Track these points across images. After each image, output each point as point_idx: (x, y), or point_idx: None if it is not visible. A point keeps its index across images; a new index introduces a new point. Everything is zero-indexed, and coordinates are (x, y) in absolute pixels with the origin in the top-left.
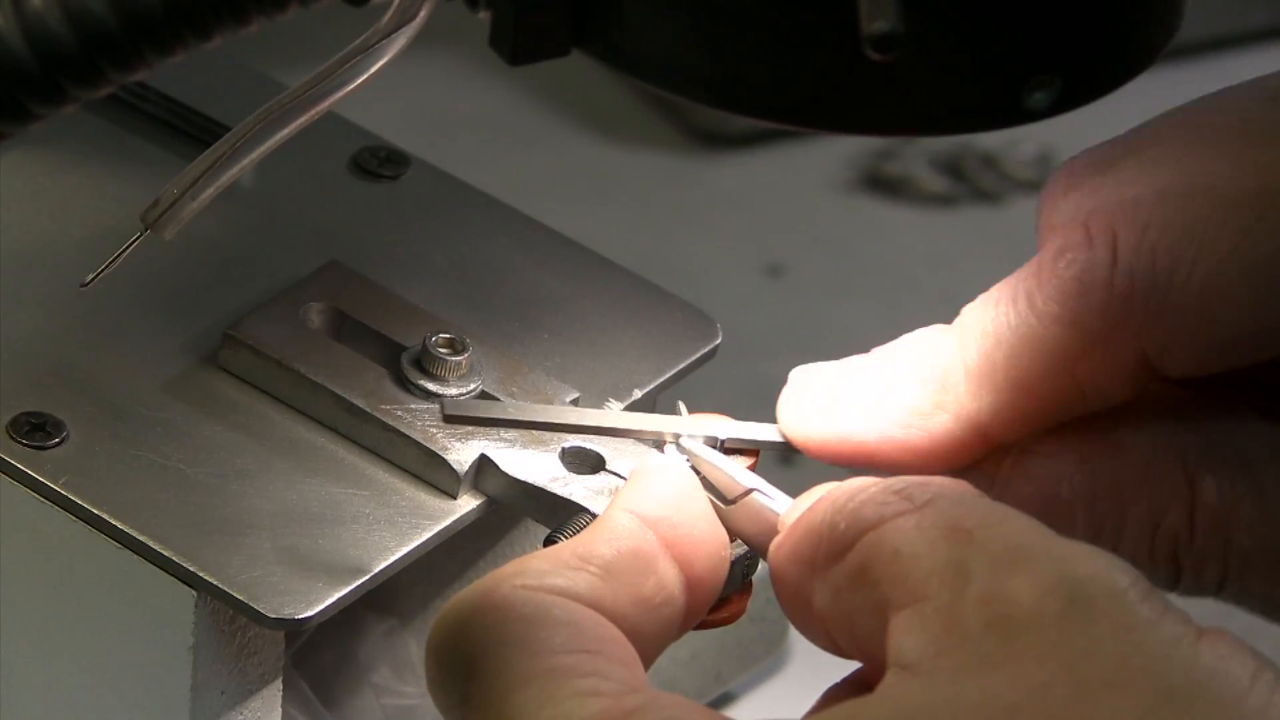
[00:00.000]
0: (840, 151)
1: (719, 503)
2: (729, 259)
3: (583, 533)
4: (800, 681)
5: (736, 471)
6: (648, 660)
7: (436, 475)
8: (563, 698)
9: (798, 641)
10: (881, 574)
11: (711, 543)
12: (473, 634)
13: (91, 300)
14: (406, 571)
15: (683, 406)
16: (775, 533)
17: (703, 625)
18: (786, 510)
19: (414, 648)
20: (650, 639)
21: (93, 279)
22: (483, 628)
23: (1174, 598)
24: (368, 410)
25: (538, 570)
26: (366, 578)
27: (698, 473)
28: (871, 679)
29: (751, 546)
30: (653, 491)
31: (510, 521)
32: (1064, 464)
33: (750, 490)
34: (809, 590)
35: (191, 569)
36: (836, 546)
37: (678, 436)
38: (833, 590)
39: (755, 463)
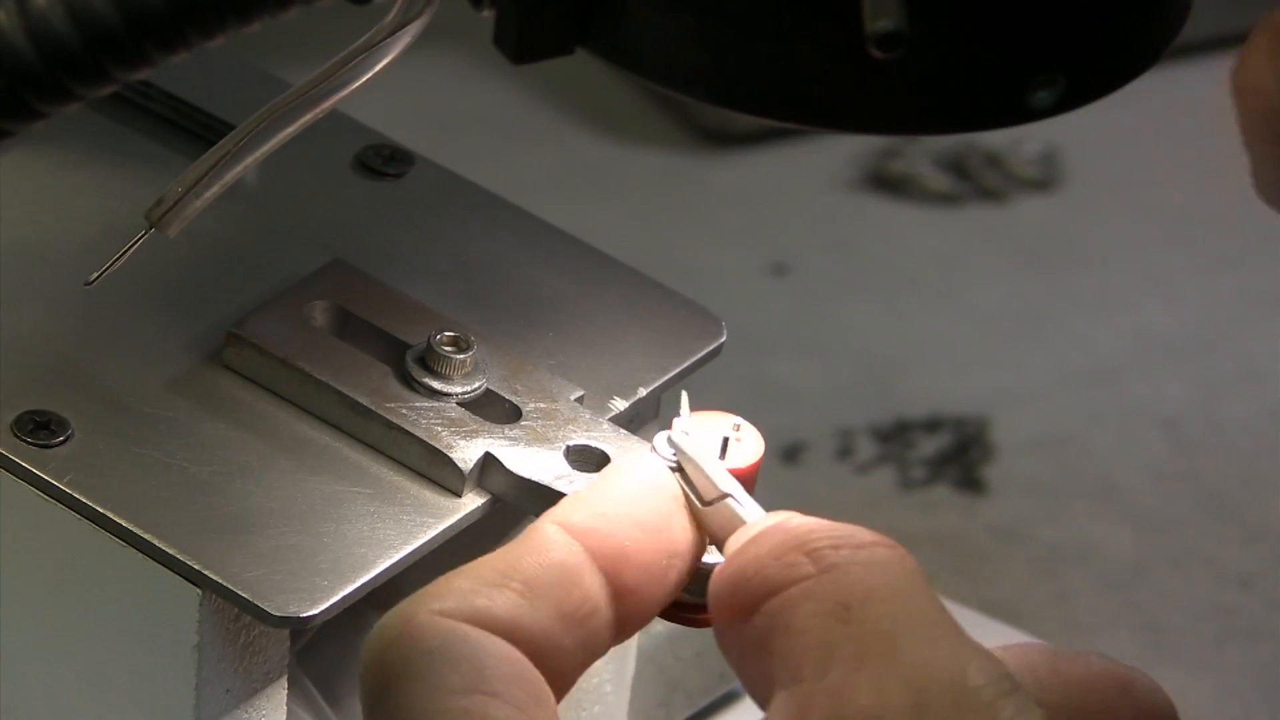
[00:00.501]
0: (844, 150)
1: (698, 503)
2: (733, 257)
3: (508, 547)
4: None
5: (717, 474)
6: (574, 674)
7: (441, 473)
8: None
9: None
10: (776, 647)
11: (645, 552)
12: (386, 661)
13: (95, 298)
14: (411, 569)
15: (685, 397)
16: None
17: (706, 625)
18: (731, 538)
19: None
20: (573, 652)
21: (97, 277)
22: (395, 657)
23: None
24: (372, 408)
25: (460, 591)
26: (371, 575)
27: (683, 470)
28: None
29: (722, 554)
30: (584, 501)
31: (514, 519)
32: None
33: (725, 496)
34: (730, 635)
35: (196, 567)
36: (748, 603)
37: (668, 429)
38: (740, 649)
39: (760, 461)
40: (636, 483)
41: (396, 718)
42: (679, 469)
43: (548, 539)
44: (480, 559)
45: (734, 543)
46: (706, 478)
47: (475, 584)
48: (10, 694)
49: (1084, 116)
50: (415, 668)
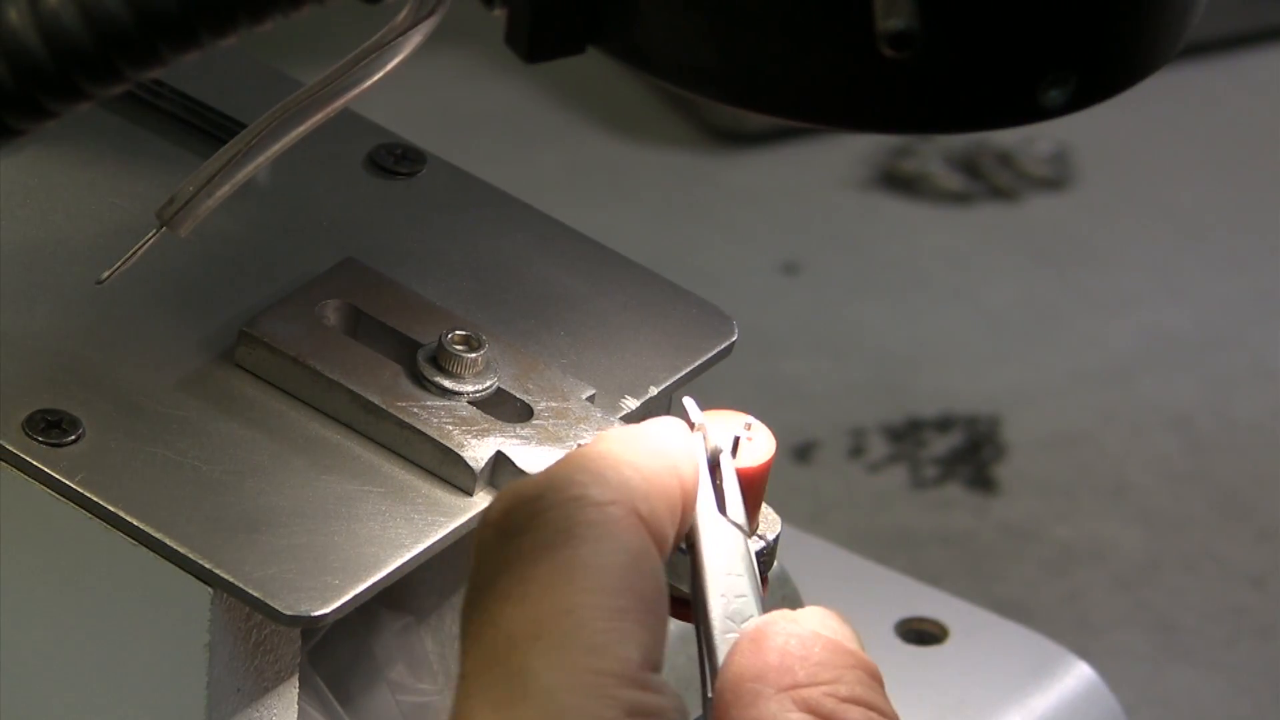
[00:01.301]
0: (856, 149)
1: (714, 508)
2: (745, 256)
3: (633, 439)
4: None
5: (731, 493)
6: None
7: (452, 472)
8: (603, 637)
9: None
10: None
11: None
12: (547, 520)
13: (107, 297)
14: (422, 568)
15: (692, 403)
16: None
17: None
18: (820, 612)
19: (429, 644)
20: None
21: (109, 276)
22: (559, 520)
23: None
24: (383, 407)
25: (639, 491)
26: (382, 574)
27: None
28: None
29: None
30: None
31: None
32: None
33: (741, 528)
34: (767, 691)
35: (207, 566)
36: (816, 708)
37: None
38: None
39: (771, 460)
40: (675, 435)
41: (524, 577)
42: (714, 465)
43: (668, 457)
44: (621, 447)
45: (835, 623)
46: (726, 494)
47: (642, 484)
48: (21, 693)
49: (1096, 115)
50: (576, 550)
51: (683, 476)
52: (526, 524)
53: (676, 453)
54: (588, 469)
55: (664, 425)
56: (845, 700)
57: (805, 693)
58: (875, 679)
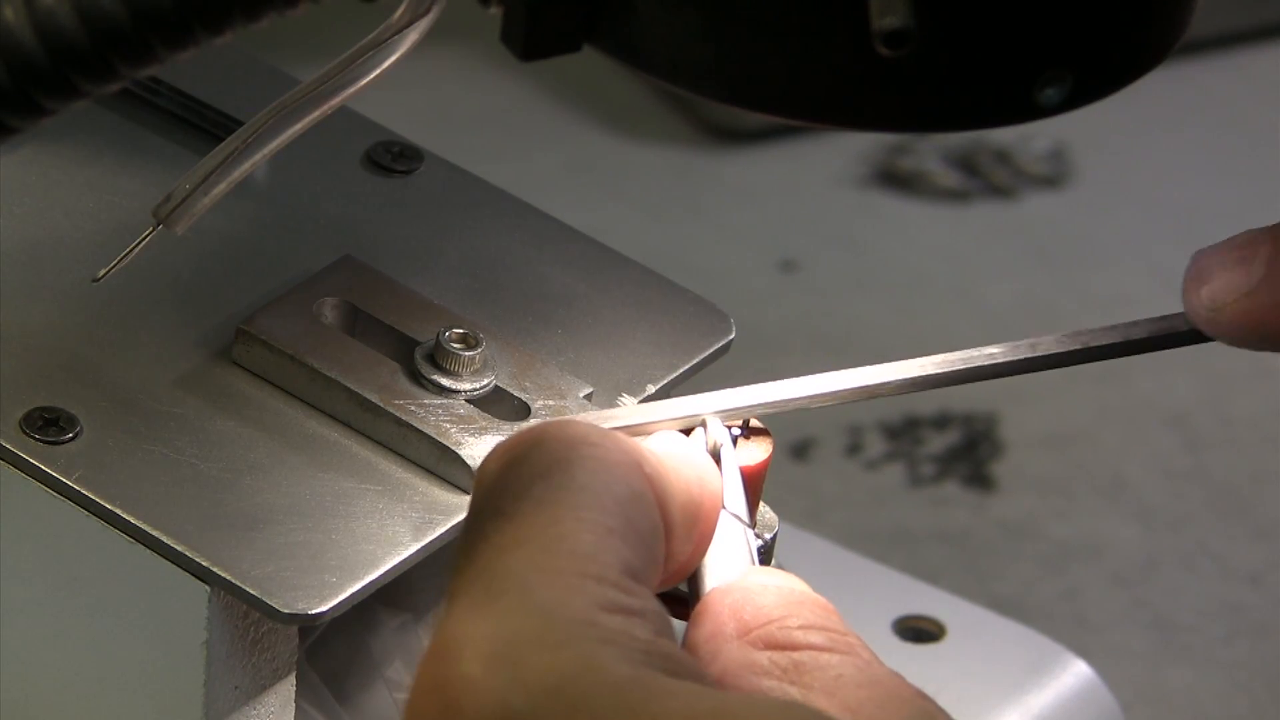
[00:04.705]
0: (853, 147)
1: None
2: (742, 254)
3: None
4: None
5: (732, 485)
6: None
7: (450, 470)
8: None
9: None
10: (814, 681)
11: (709, 517)
12: (570, 452)
13: (104, 295)
14: (420, 566)
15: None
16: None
17: None
18: (759, 570)
19: (427, 642)
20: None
21: (105, 274)
22: (590, 468)
23: None
24: (381, 405)
25: (649, 458)
26: (380, 573)
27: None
28: None
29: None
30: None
31: None
32: None
33: (740, 519)
34: (725, 643)
35: (205, 564)
36: (775, 641)
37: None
38: (747, 665)
39: (769, 458)
40: (706, 457)
41: (518, 496)
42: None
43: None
44: (646, 439)
45: (782, 579)
46: (726, 485)
47: (648, 453)
48: (19, 691)
49: (1093, 113)
50: (574, 475)
51: (705, 483)
52: (527, 455)
53: (703, 461)
54: (602, 429)
55: (695, 444)
56: (800, 628)
57: (759, 631)
58: (827, 610)
